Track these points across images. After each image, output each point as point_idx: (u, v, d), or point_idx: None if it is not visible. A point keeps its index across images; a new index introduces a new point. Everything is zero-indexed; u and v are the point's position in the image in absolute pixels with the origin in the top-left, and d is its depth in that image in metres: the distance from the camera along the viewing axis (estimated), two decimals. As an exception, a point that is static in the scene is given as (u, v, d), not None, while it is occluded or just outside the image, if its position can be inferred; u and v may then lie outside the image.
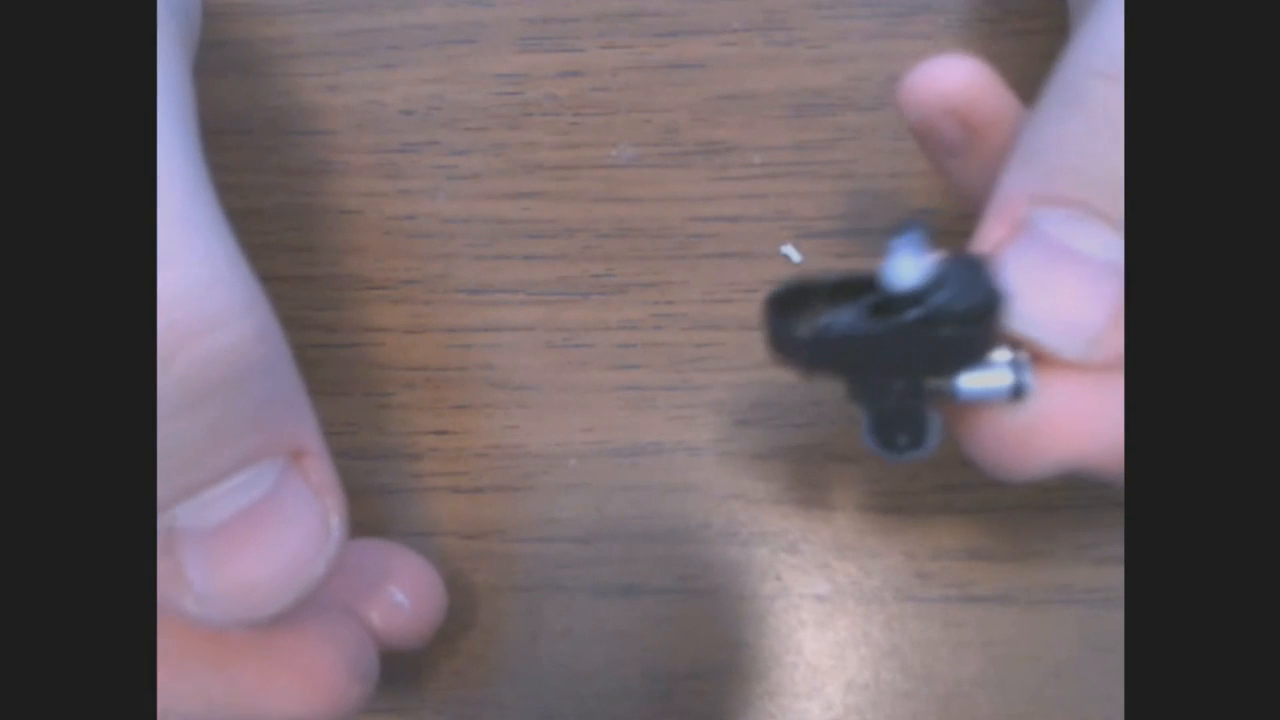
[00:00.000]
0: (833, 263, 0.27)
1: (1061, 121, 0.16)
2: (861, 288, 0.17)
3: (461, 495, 0.26)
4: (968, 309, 0.16)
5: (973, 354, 0.17)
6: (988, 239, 0.17)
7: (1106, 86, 0.15)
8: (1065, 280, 0.16)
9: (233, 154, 0.28)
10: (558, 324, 0.27)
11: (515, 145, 0.28)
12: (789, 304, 0.17)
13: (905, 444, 0.18)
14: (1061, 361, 0.16)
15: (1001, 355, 0.17)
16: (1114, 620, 0.24)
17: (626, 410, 0.26)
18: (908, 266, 0.16)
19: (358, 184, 0.28)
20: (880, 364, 0.17)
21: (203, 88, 0.29)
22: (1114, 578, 0.24)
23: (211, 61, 0.29)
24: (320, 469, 0.17)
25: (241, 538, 0.15)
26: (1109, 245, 0.16)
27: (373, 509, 0.26)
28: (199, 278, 0.15)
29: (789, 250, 0.26)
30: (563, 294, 0.27)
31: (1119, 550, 0.24)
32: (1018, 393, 0.17)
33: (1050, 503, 0.25)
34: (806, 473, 0.25)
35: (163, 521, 0.15)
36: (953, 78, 0.18)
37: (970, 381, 0.17)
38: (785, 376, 0.23)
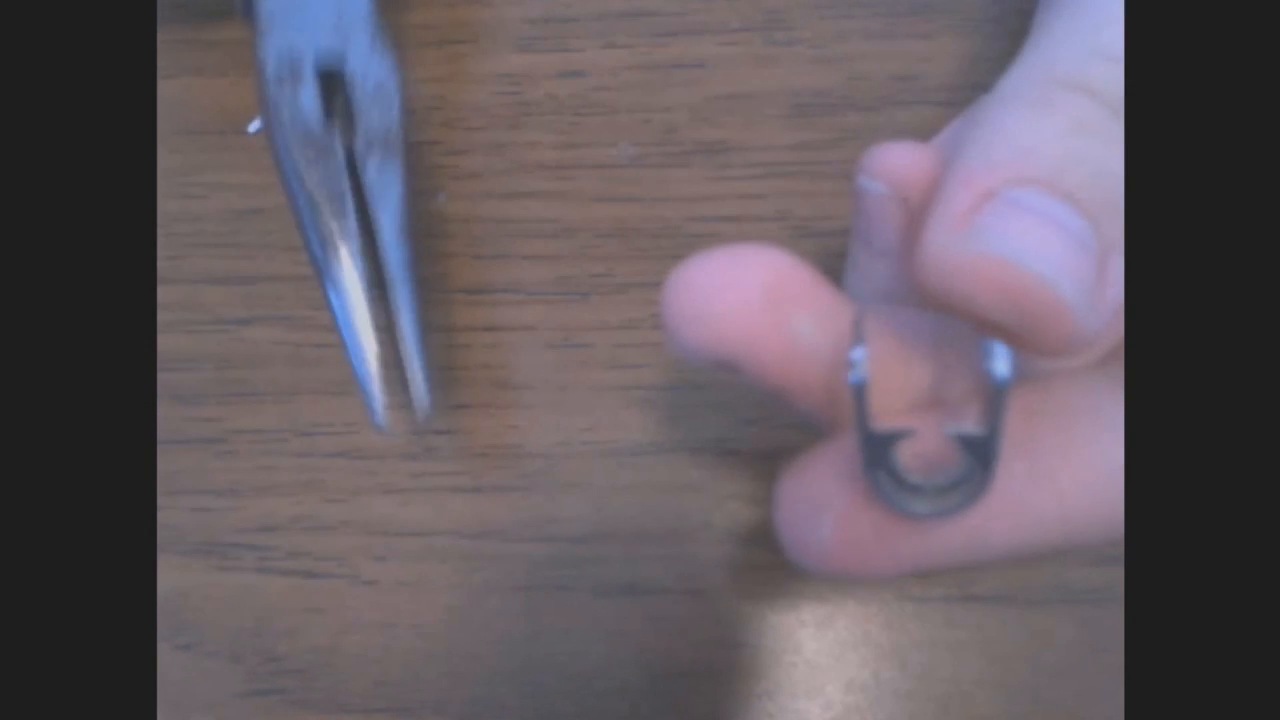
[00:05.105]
0: (833, 262, 0.27)
1: (1032, 119, 0.17)
2: None
3: (461, 495, 0.26)
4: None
5: None
6: (957, 203, 0.17)
7: (1074, 98, 0.17)
8: (1049, 236, 0.16)
9: (233, 154, 0.28)
10: (557, 324, 0.27)
11: (515, 145, 0.28)
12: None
13: None
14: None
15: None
16: (1114, 620, 0.24)
17: (626, 410, 0.26)
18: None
19: (358, 184, 0.28)
20: None
21: (203, 87, 0.29)
22: (1114, 578, 0.24)
23: (211, 61, 0.29)
24: None
25: None
26: (1082, 227, 0.16)
27: (373, 508, 0.26)
28: None
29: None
30: (563, 294, 0.27)
31: (1119, 550, 0.24)
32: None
33: (1050, 503, 0.25)
34: (806, 473, 0.25)
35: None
36: (904, 162, 0.19)
37: None
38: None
